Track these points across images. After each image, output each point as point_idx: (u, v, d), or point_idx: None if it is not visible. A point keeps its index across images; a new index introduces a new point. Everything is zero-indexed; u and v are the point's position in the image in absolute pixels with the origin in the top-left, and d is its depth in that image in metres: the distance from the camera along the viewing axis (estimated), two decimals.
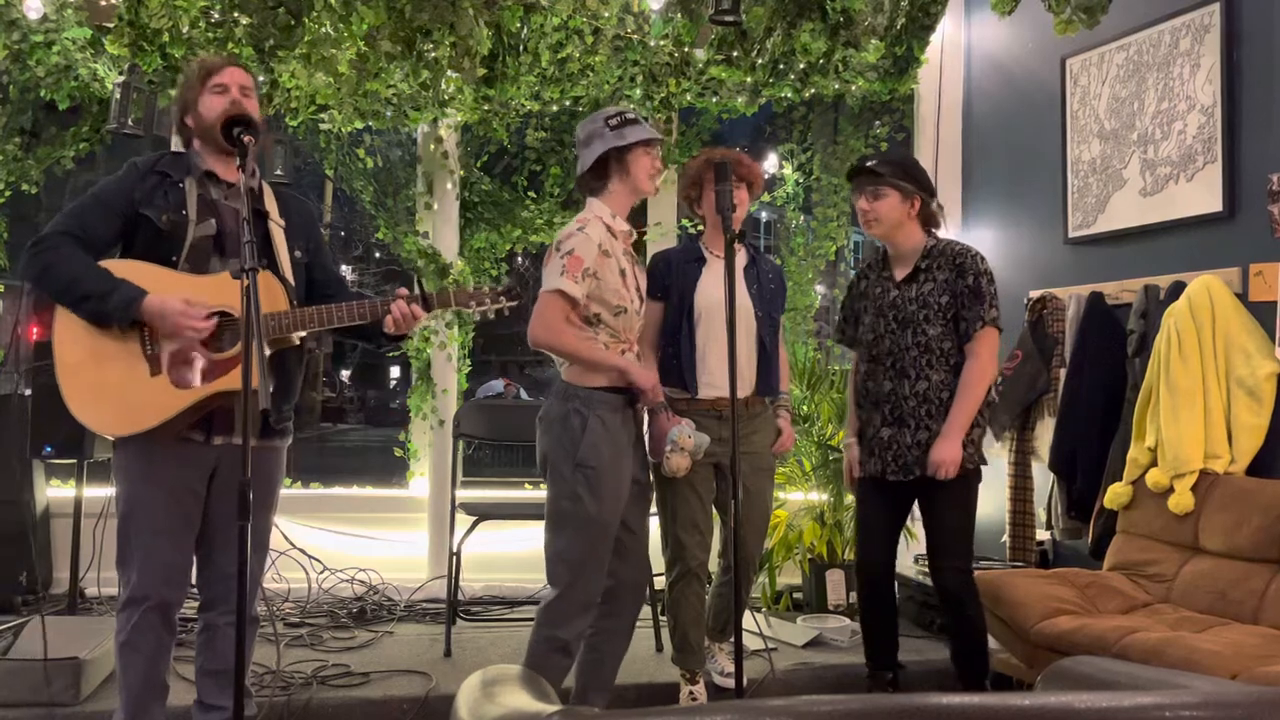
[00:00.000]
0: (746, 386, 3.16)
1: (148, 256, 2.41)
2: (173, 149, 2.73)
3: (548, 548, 2.72)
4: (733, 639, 2.72)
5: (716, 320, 3.09)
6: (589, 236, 2.67)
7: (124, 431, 2.37)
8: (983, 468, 3.08)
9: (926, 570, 3.93)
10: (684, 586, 3.11)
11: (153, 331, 2.36)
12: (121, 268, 2.39)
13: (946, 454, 2.93)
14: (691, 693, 3.21)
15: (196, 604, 2.61)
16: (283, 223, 2.56)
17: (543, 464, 2.74)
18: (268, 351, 2.33)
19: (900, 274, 3.11)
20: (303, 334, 2.47)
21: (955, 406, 2.97)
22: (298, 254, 2.57)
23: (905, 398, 3.03)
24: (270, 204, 2.57)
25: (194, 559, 2.51)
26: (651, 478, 2.98)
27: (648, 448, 2.94)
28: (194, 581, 2.56)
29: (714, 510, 3.21)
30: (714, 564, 3.32)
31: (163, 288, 2.35)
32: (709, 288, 3.14)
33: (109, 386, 2.35)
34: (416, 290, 2.52)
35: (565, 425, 2.67)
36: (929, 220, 3.13)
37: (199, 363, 2.36)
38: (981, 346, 2.99)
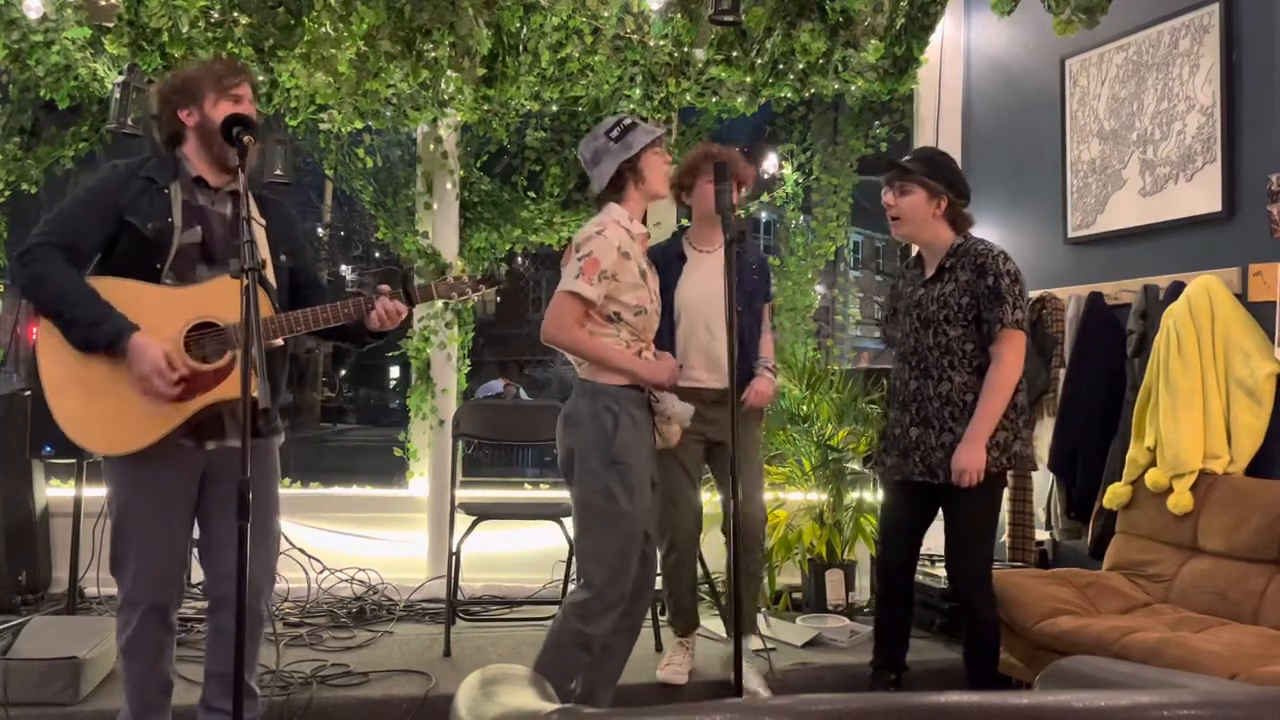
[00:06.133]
0: (725, 378, 3.16)
1: (132, 263, 2.37)
2: (153, 149, 2.71)
3: (579, 546, 2.74)
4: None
5: (696, 317, 3.29)
6: (608, 239, 2.70)
7: (118, 451, 2.36)
8: (1009, 472, 3.04)
9: (928, 570, 3.94)
10: (677, 560, 3.29)
11: None
12: (106, 286, 2.35)
13: (967, 460, 2.89)
14: (682, 643, 3.39)
15: (202, 604, 2.61)
16: (264, 222, 2.54)
17: (567, 462, 2.75)
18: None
19: (929, 273, 3.09)
20: (286, 336, 2.47)
21: (977, 411, 2.92)
22: (282, 258, 2.57)
23: (929, 398, 3.02)
24: (251, 207, 2.55)
25: (190, 560, 2.52)
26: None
27: None
28: (194, 582, 2.56)
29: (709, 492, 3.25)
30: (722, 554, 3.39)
31: (146, 304, 2.33)
32: (688, 286, 3.29)
33: (99, 406, 2.32)
34: (399, 287, 2.53)
35: (596, 422, 2.68)
36: (957, 221, 3.07)
37: (189, 377, 2.33)
38: (1005, 349, 2.91)
